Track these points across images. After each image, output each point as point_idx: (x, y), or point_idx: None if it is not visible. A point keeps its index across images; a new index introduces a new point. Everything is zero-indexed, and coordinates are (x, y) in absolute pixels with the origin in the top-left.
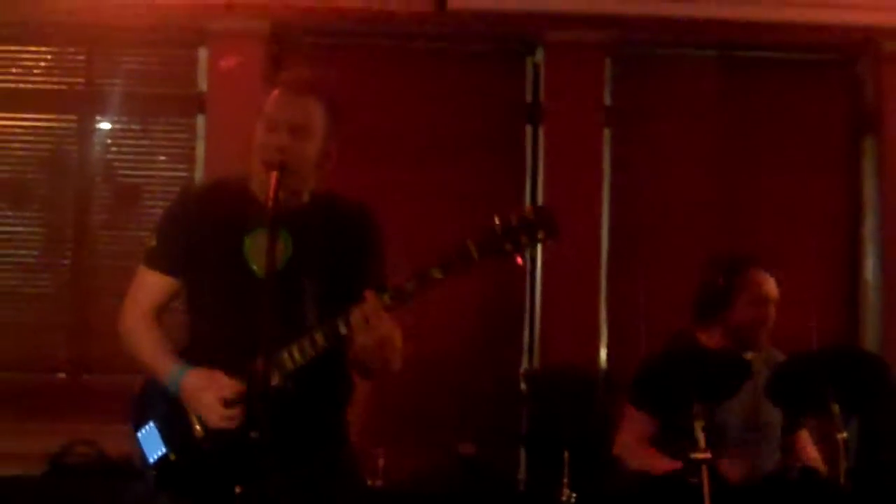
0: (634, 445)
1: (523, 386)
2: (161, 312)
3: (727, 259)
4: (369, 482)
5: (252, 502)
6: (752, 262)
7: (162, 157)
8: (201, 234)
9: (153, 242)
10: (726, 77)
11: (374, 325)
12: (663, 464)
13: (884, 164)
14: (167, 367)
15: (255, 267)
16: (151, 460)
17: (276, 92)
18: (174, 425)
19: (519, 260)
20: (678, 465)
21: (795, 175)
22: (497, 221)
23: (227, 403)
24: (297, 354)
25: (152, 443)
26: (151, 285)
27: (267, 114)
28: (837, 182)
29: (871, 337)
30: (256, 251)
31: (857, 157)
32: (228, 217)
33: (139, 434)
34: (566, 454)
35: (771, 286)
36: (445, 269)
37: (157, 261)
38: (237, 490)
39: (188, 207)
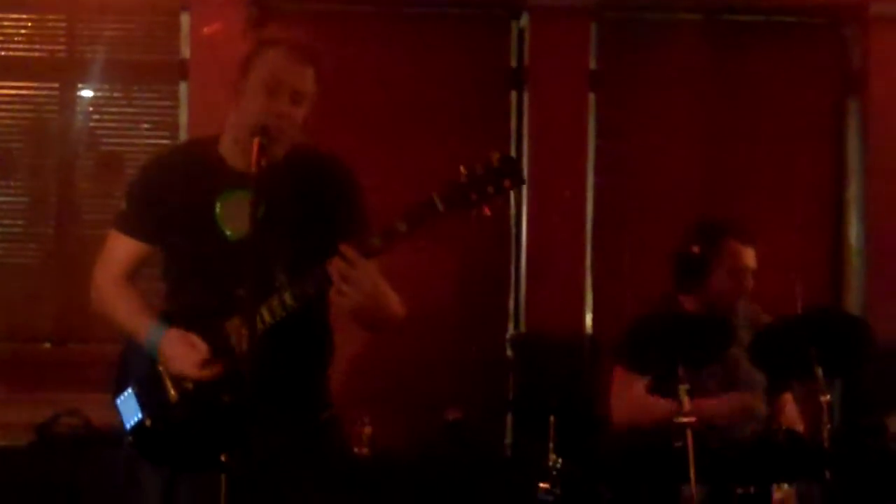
0: (639, 397)
1: (509, 352)
2: (133, 276)
3: (705, 227)
4: (356, 449)
5: (232, 467)
6: (729, 231)
7: (145, 125)
8: (172, 200)
9: (123, 207)
10: (712, 41)
11: (355, 277)
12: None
13: (869, 128)
14: (145, 325)
15: (227, 231)
16: (128, 426)
17: (275, 53)
18: (150, 390)
19: (486, 210)
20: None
21: (781, 139)
22: (462, 171)
23: (205, 363)
24: (266, 315)
25: (130, 409)
26: (122, 250)
27: (268, 76)
28: (822, 145)
29: (854, 300)
30: (228, 215)
31: (842, 121)
32: (199, 181)
33: (117, 400)
34: (552, 419)
35: (749, 256)
36: (410, 221)
37: (128, 225)
38: (222, 458)
39: (159, 172)
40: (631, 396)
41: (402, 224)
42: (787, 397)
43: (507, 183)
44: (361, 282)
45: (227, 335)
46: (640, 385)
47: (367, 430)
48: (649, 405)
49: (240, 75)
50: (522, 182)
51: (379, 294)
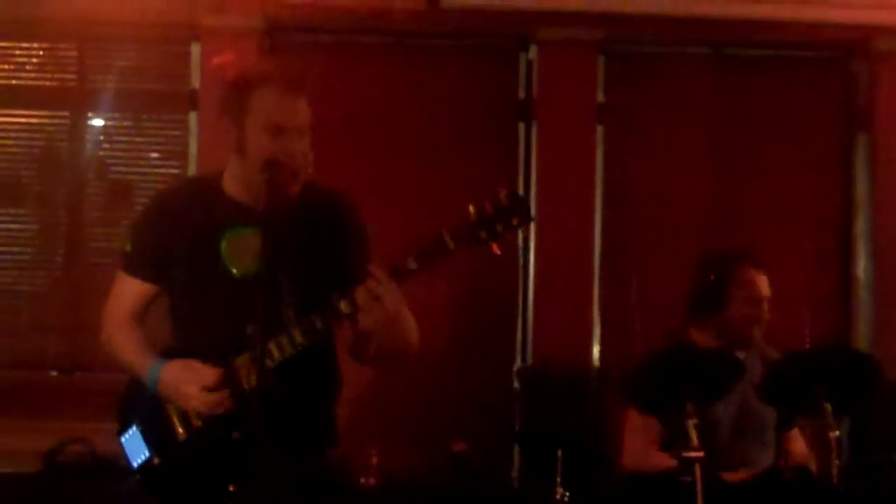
0: (647, 450)
1: (516, 383)
2: (141, 317)
3: (719, 257)
4: (362, 480)
5: (239, 500)
6: (744, 259)
7: (154, 154)
8: (176, 238)
9: (128, 248)
10: (719, 74)
11: (382, 293)
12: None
13: (876, 163)
14: (145, 365)
15: (233, 268)
16: (135, 464)
17: (267, 94)
18: (156, 428)
19: (496, 249)
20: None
21: (788, 172)
22: (472, 209)
23: (208, 390)
24: (275, 352)
25: (135, 447)
26: (129, 292)
27: (267, 121)
28: (830, 180)
29: (863, 335)
30: (233, 252)
31: (849, 155)
32: (203, 219)
33: (122, 438)
34: (559, 452)
35: (764, 284)
36: (421, 259)
37: (134, 267)
38: (231, 489)
39: (163, 211)
40: (640, 451)
41: (412, 262)
42: (796, 433)
43: (515, 221)
44: (387, 299)
45: (236, 372)
46: (651, 437)
47: (374, 460)
48: (658, 463)
49: (233, 116)
50: (531, 220)
51: (401, 314)
